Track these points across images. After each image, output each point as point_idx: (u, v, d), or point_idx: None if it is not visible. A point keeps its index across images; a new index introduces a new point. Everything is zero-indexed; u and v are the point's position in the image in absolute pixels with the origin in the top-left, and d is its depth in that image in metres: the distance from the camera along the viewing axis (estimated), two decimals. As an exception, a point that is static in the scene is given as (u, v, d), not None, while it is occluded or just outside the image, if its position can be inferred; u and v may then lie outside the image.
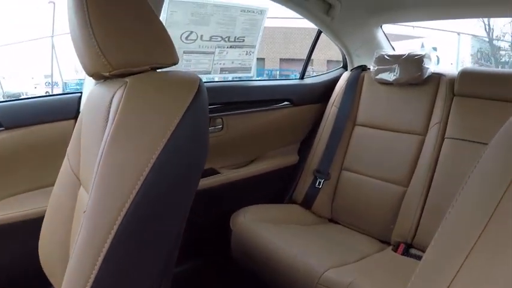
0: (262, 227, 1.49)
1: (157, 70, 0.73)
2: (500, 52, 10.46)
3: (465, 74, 1.55)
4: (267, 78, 2.10)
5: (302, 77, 1.94)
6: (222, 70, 1.64)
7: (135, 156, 0.60)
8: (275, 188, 1.87)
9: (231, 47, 1.61)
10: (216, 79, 1.72)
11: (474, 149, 1.41)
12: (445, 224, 0.50)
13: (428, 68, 1.62)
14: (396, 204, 1.54)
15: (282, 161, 1.86)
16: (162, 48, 0.72)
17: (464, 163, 1.40)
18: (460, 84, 1.54)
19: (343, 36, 1.88)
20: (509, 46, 10.25)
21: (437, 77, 1.62)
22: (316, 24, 1.80)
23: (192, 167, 0.68)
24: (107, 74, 0.68)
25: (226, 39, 1.58)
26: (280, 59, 12.70)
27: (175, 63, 0.75)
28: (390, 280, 1.22)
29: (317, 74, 2.04)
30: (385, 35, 2.01)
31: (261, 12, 1.63)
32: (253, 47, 1.68)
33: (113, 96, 0.65)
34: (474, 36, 10.09)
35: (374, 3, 1.76)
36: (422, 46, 10.38)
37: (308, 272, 1.25)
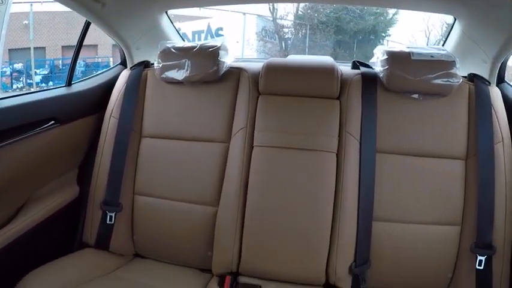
0: None
1: None
2: (284, 30, 11.81)
3: (270, 69, 1.39)
4: (19, 93, 1.59)
5: (69, 83, 1.49)
6: None
7: None
8: (59, 235, 1.46)
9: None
10: None
11: (289, 155, 1.31)
12: None
13: (225, 62, 1.42)
14: (209, 227, 1.35)
15: (58, 199, 1.42)
16: None
17: (279, 172, 1.30)
18: (266, 80, 1.39)
19: (118, 26, 1.50)
20: (291, 24, 11.64)
21: (236, 71, 1.43)
22: (81, 14, 1.37)
23: None
24: None
25: None
26: (63, 47, 11.19)
27: None
28: None
29: (88, 77, 1.62)
30: (172, 23, 1.74)
31: (2, 1, 1.12)
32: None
33: None
34: (259, 15, 11.01)
35: None
36: (209, 27, 10.86)
37: None
